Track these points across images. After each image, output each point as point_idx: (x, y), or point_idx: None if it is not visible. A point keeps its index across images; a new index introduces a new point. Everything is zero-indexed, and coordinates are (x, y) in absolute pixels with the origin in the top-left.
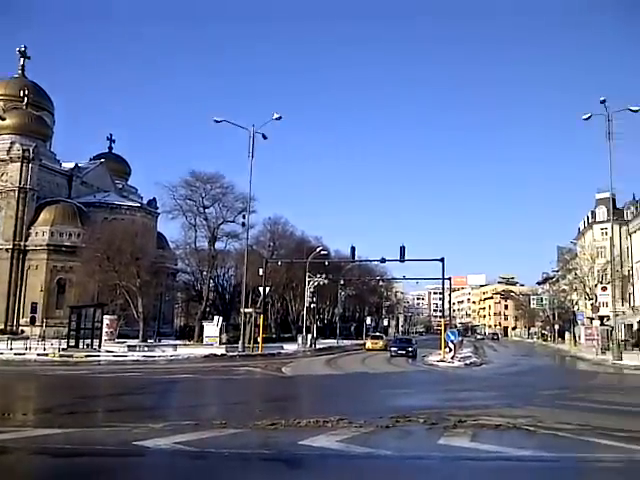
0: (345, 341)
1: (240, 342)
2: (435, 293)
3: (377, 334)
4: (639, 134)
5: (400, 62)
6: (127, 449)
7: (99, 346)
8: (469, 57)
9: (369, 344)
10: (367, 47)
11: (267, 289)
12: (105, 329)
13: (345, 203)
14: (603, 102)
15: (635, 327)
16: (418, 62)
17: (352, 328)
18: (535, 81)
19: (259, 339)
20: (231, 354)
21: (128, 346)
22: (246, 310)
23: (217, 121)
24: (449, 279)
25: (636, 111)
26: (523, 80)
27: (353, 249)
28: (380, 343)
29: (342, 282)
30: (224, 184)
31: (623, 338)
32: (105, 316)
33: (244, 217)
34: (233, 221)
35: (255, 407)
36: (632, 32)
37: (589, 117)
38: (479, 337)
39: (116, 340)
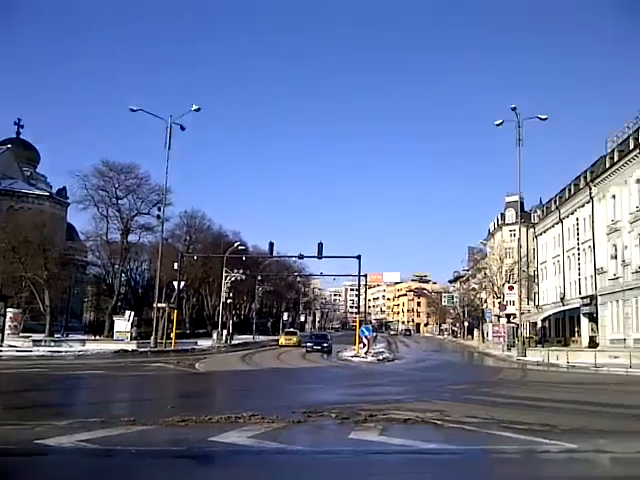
0: (262, 337)
1: (152, 338)
2: (352, 290)
3: (291, 330)
4: (549, 141)
5: (312, 52)
6: (28, 448)
7: (1, 340)
8: (384, 49)
9: (282, 340)
10: (284, 38)
11: (182, 284)
12: (8, 323)
13: (264, 199)
14: (514, 109)
15: (539, 325)
16: (331, 53)
17: (269, 324)
18: (452, 85)
19: (172, 335)
20: (142, 350)
21: (33, 341)
22: (159, 305)
23: (133, 110)
24: (365, 276)
25: (544, 119)
26: (440, 83)
27: (271, 245)
28: (294, 339)
29: (260, 278)
30: (139, 175)
31: (528, 335)
32: (9, 309)
33: (159, 209)
34: (148, 213)
35: (166, 404)
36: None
37: (501, 123)
38: (392, 333)
39: (20, 334)
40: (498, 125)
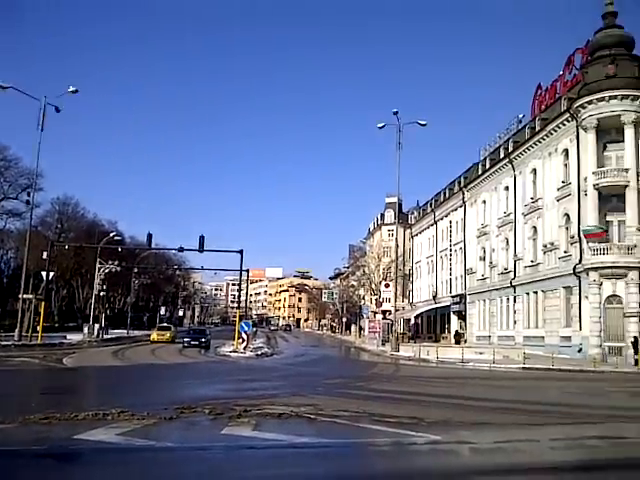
0: (136, 332)
1: (17, 330)
2: (233, 284)
3: (164, 325)
4: (430, 146)
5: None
6: None
7: None
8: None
9: (155, 336)
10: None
11: (51, 274)
12: None
13: (145, 190)
14: (395, 113)
15: (412, 321)
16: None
17: (145, 318)
18: (342, 84)
19: (39, 328)
20: (5, 343)
21: None
22: (25, 296)
23: (3, 87)
24: (247, 271)
25: (424, 125)
26: (334, 79)
27: (150, 236)
28: (167, 334)
29: (136, 270)
30: (7, 156)
31: (402, 331)
32: None
33: (29, 194)
34: (16, 198)
35: (29, 400)
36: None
37: (383, 126)
38: (273, 328)
39: None
40: (380, 128)
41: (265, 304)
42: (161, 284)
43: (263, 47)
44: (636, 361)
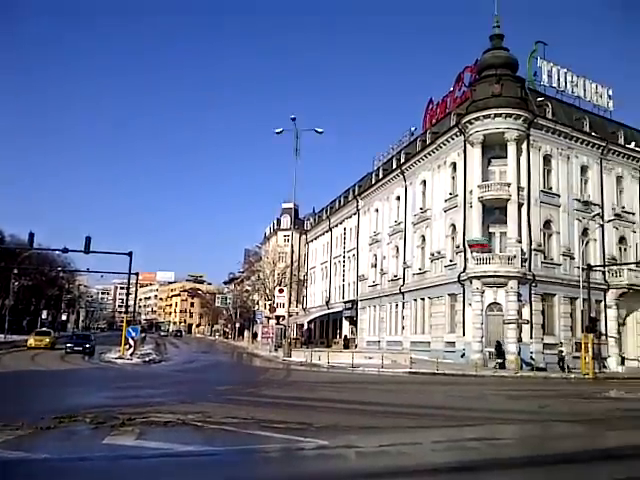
0: (15, 336)
1: None
2: (122, 288)
3: (43, 330)
4: (329, 154)
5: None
6: None
7: None
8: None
9: (32, 341)
10: None
11: None
12: None
13: (31, 189)
14: (293, 120)
15: (305, 327)
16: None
17: (25, 322)
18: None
19: None
20: None
21: None
22: None
23: None
24: (136, 274)
25: (320, 133)
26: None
27: (31, 235)
28: (46, 340)
29: (16, 271)
30: None
31: (295, 337)
32: None
33: None
34: None
35: None
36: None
37: (281, 132)
38: (163, 334)
39: None
40: (278, 133)
41: (155, 309)
42: (44, 287)
43: (152, 42)
44: (501, 364)
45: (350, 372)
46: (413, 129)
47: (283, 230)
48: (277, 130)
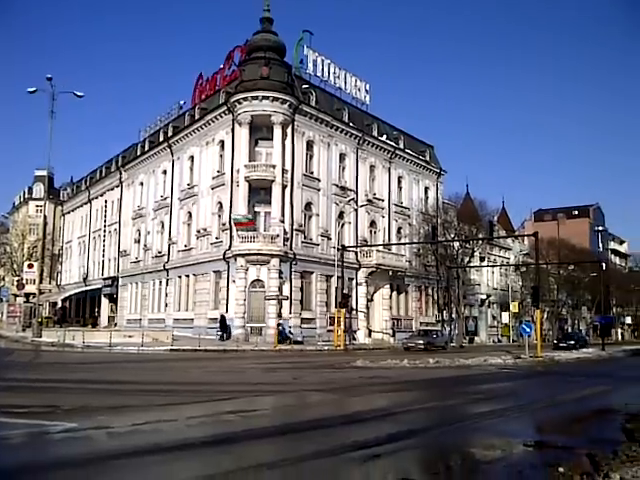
0: None
1: None
2: None
3: None
4: (85, 119)
5: None
6: None
7: None
8: None
9: None
10: None
11: None
12: None
13: None
14: (49, 80)
15: (59, 305)
16: None
17: None
18: None
19: None
20: None
21: None
22: None
23: None
24: None
25: (81, 96)
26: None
27: None
28: None
29: None
30: None
31: (47, 315)
32: None
33: None
34: None
35: None
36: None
37: (34, 91)
38: None
39: None
40: (31, 92)
41: None
42: None
43: None
44: (221, 337)
45: (107, 352)
46: (182, 103)
47: (35, 200)
48: (30, 89)
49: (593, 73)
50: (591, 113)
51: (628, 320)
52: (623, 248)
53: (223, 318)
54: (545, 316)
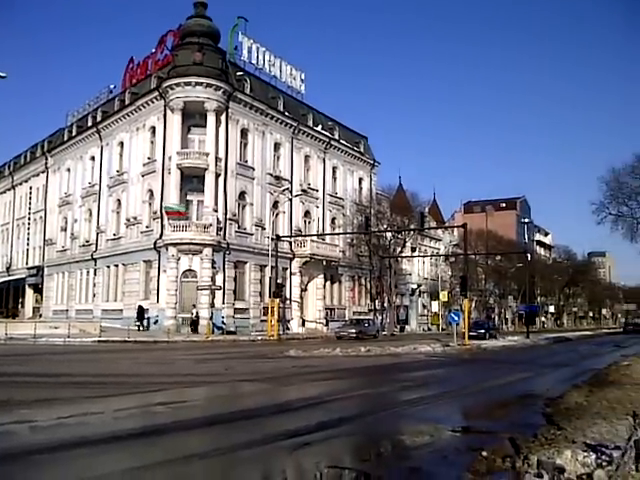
0: None
1: None
2: None
3: None
4: (8, 102)
5: None
6: None
7: None
8: None
9: None
10: None
11: None
12: None
13: None
14: None
15: None
16: None
17: None
18: None
19: None
20: None
21: None
22: None
23: None
24: None
25: (3, 77)
26: None
27: None
28: None
29: None
30: None
31: None
32: None
33: None
34: None
35: None
36: None
37: None
38: None
39: None
40: None
41: None
42: None
43: None
44: (138, 327)
45: (32, 344)
46: (112, 87)
47: None
48: None
49: (523, 68)
50: (517, 111)
51: (551, 309)
52: (548, 240)
53: (141, 308)
54: (473, 305)
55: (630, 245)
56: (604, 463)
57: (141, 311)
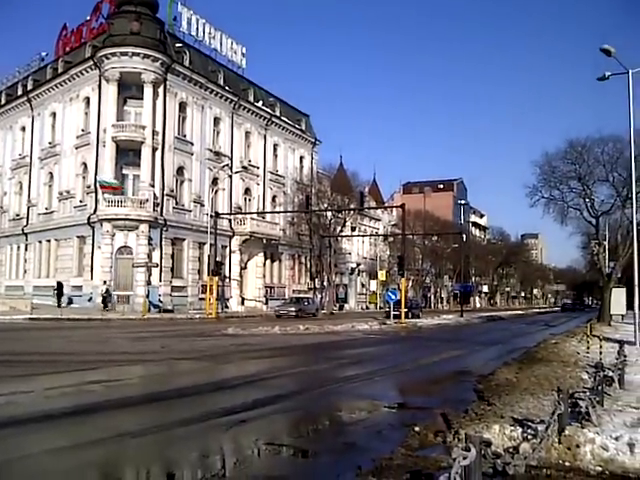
0: None
1: None
2: None
3: None
4: None
5: None
6: None
7: None
8: None
9: None
10: None
11: None
12: None
13: None
14: None
15: None
16: None
17: None
18: None
19: None
20: None
21: None
22: None
23: None
24: None
25: None
26: None
27: None
28: None
29: None
30: None
31: None
32: None
33: None
34: None
35: None
36: None
37: None
38: None
39: None
40: None
41: None
42: None
43: None
44: (59, 304)
45: None
46: (44, 54)
47: None
48: None
49: (464, 53)
50: (457, 95)
51: (485, 289)
52: (483, 221)
53: (60, 284)
54: (410, 284)
55: (561, 228)
56: (529, 437)
57: (60, 287)
